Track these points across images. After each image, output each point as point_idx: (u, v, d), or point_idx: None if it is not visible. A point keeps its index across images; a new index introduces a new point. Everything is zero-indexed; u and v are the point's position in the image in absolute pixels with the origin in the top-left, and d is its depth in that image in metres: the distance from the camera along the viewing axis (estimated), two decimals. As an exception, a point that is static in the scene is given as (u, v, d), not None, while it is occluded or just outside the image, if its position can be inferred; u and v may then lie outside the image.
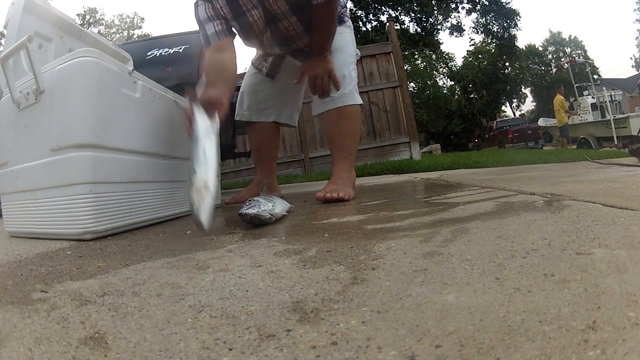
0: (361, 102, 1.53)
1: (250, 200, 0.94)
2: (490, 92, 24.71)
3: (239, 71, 1.53)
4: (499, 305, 0.34)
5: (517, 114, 29.60)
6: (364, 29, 14.75)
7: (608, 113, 9.11)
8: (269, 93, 1.69)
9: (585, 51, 31.21)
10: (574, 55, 29.26)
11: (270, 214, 0.91)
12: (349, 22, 1.63)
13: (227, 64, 1.31)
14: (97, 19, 27.21)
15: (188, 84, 1.35)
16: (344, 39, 1.54)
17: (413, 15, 15.68)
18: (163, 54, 2.33)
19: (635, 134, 6.94)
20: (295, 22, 1.40)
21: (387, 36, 5.91)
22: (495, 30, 16.73)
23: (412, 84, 20.27)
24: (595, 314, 0.31)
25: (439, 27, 16.09)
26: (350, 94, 1.49)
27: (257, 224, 0.90)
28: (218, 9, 1.33)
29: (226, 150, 2.59)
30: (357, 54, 1.62)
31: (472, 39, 22.07)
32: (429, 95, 22.43)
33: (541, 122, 13.32)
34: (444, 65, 26.25)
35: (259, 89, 1.70)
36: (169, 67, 1.99)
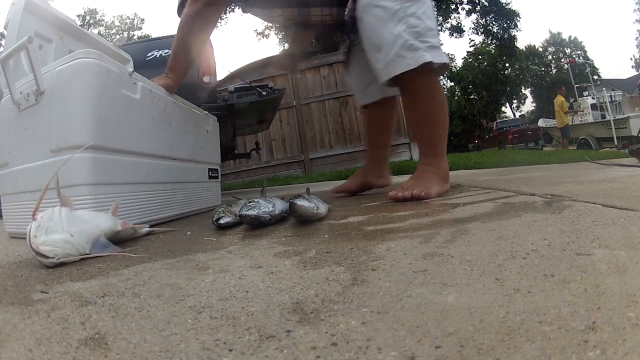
0: (429, 60, 1.05)
1: (250, 202, 0.94)
2: (490, 93, 24.72)
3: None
4: (499, 305, 0.34)
5: (517, 114, 29.70)
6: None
7: (608, 113, 9.12)
8: (357, 71, 1.51)
9: (585, 52, 31.28)
10: (574, 56, 29.32)
11: (270, 216, 0.91)
12: None
13: None
14: (97, 20, 27.27)
15: (189, 84, 1.35)
16: None
17: (413, 16, 15.62)
18: (163, 55, 2.34)
19: (635, 135, 6.95)
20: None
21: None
22: (495, 31, 16.72)
23: (412, 85, 20.22)
24: (595, 314, 0.31)
25: (439, 28, 16.08)
26: (396, 57, 1.04)
27: (257, 225, 0.90)
28: None
29: (226, 152, 2.59)
30: None
31: (472, 40, 22.05)
32: (429, 96, 22.40)
33: (541, 122, 13.34)
34: (443, 66, 26.26)
35: (351, 69, 1.56)
36: None
